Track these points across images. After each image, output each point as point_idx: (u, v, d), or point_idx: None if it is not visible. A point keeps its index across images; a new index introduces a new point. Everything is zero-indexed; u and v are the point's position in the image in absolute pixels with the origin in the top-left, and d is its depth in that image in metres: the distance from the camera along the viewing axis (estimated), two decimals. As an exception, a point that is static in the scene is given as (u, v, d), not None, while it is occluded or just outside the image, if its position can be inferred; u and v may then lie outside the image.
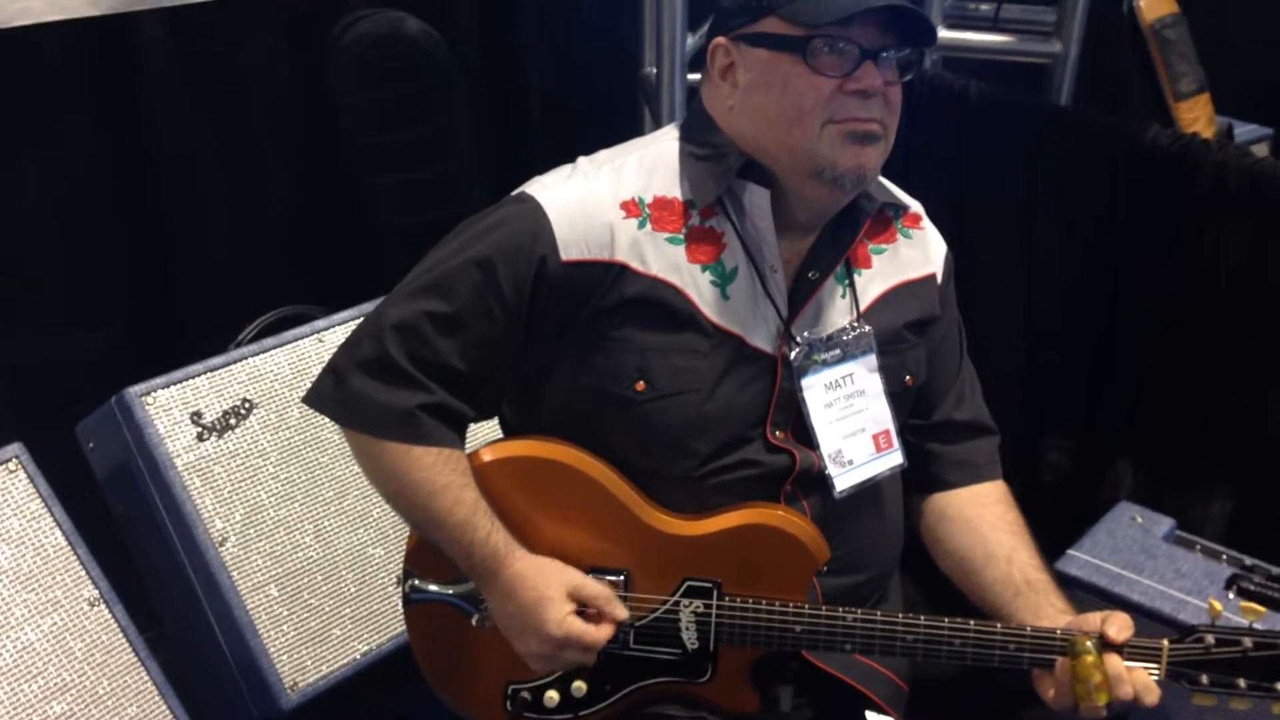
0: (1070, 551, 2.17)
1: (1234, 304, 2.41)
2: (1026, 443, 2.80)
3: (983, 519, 1.68)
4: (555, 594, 1.51)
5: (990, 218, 2.73)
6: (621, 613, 1.53)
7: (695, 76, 2.67)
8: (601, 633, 1.51)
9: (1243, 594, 2.05)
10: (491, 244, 1.49)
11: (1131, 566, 2.12)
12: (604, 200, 1.51)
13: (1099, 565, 2.12)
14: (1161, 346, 2.54)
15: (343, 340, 2.16)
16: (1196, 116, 2.90)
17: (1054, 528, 2.21)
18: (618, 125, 3.09)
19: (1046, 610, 1.54)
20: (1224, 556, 2.16)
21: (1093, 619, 1.48)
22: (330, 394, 1.54)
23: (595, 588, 1.53)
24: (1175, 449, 2.56)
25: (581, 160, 1.60)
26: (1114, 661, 1.43)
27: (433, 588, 1.62)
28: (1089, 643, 1.43)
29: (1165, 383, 2.55)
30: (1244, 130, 3.25)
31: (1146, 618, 2.02)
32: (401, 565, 1.67)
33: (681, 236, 1.52)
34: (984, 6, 3.13)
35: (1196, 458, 2.52)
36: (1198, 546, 2.20)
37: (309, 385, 2.08)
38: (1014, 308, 2.76)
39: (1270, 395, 2.40)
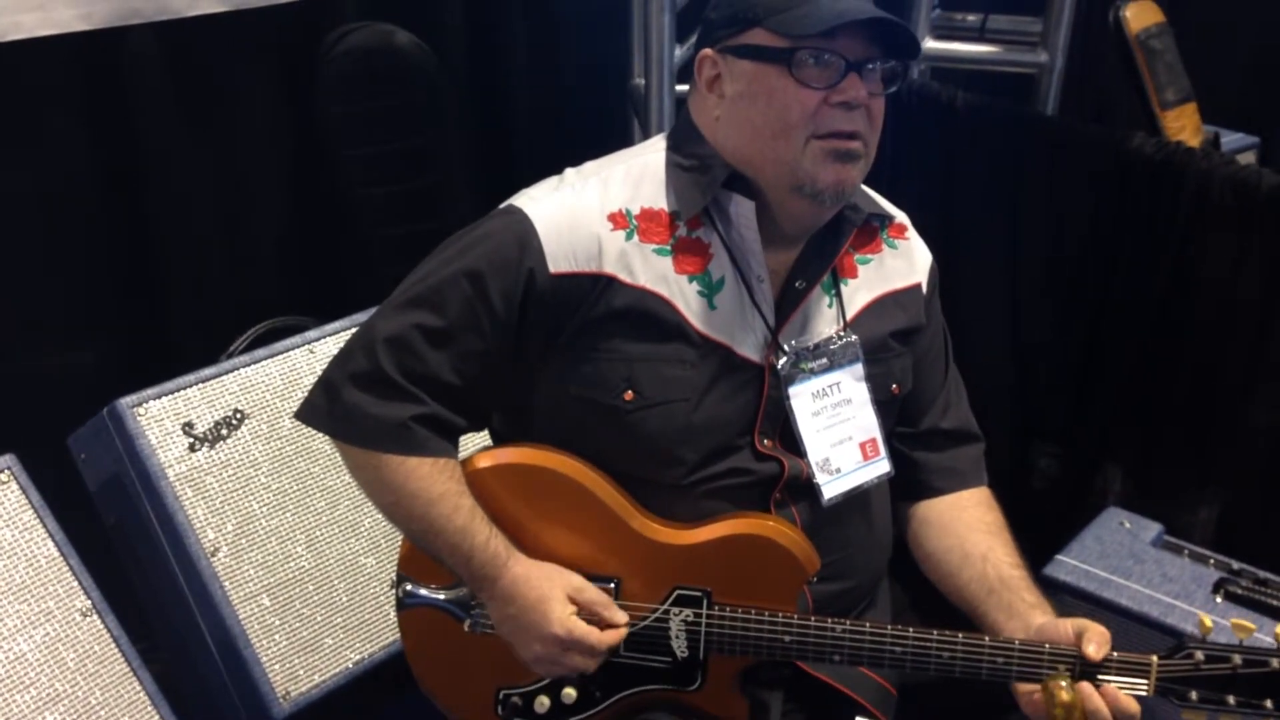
0: (1058, 557, 2.18)
1: (1219, 310, 2.42)
2: (1015, 449, 2.81)
3: (961, 521, 1.70)
4: (557, 594, 1.52)
5: (977, 226, 2.75)
6: (621, 617, 1.54)
7: (684, 88, 2.68)
8: (606, 637, 1.52)
9: (1230, 598, 2.06)
10: (480, 256, 1.51)
11: (1119, 571, 2.13)
12: (591, 212, 1.52)
13: (1087, 570, 2.13)
14: (1148, 353, 2.55)
15: (334, 351, 2.19)
16: (1183, 125, 2.91)
17: (1043, 533, 2.22)
18: (607, 136, 3.11)
19: (1018, 606, 1.55)
20: (1211, 561, 2.18)
21: (1065, 627, 1.49)
22: (324, 408, 1.55)
23: (594, 592, 1.54)
24: (1162, 455, 2.57)
25: (569, 172, 1.62)
26: (1092, 698, 1.43)
27: (424, 593, 1.63)
28: (1064, 683, 1.44)
29: (1152, 389, 2.56)
30: (1231, 139, 3.26)
31: (1134, 622, 2.04)
32: (393, 575, 1.68)
33: (668, 248, 1.54)
34: (970, 17, 3.14)
35: (1184, 463, 2.54)
36: (1185, 551, 2.21)
37: (300, 396, 2.09)
38: (1002, 315, 2.77)
39: (1256, 401, 2.42)
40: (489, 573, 1.53)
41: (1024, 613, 1.54)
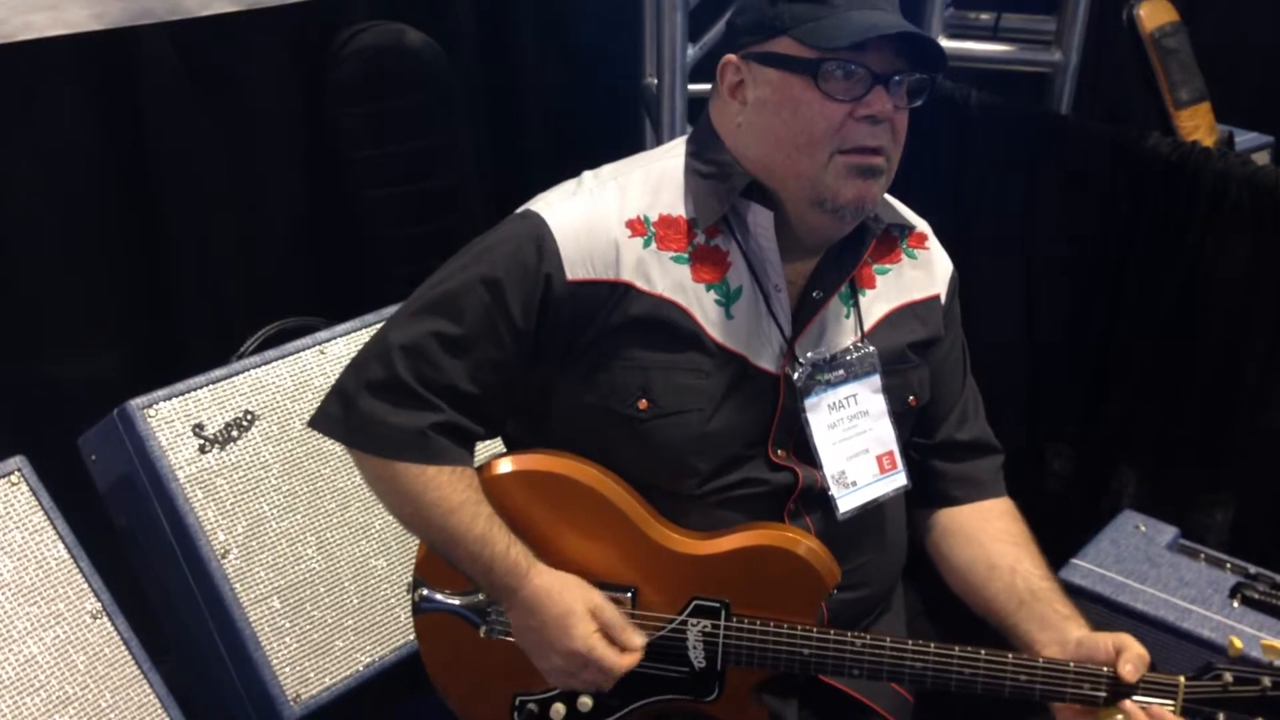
0: (1074, 560, 2.16)
1: (1235, 310, 2.41)
2: (1029, 451, 2.79)
3: (985, 532, 1.68)
4: (580, 609, 1.50)
5: (991, 227, 2.73)
6: (638, 640, 1.53)
7: (696, 87, 2.67)
8: (624, 660, 1.51)
9: (1247, 603, 2.05)
10: (498, 262, 1.49)
11: (1135, 575, 2.12)
12: (609, 218, 1.51)
13: (1102, 574, 2.12)
14: (1163, 354, 2.54)
15: (345, 353, 2.19)
16: (1197, 125, 2.90)
17: (1057, 536, 2.20)
18: (619, 136, 3.10)
19: (1052, 618, 1.54)
20: (1228, 565, 2.16)
21: (1106, 643, 1.47)
22: (339, 417, 1.53)
23: (612, 611, 1.53)
24: (1178, 457, 2.56)
25: (586, 176, 1.60)
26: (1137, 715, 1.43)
27: (440, 598, 1.61)
28: (1119, 718, 1.43)
29: (1167, 391, 2.54)
30: (1245, 138, 3.25)
31: (1150, 626, 2.03)
32: (405, 576, 1.67)
33: (686, 255, 1.52)
34: (984, 16, 3.13)
35: (1199, 466, 2.52)
36: (1201, 555, 2.20)
37: (311, 397, 2.08)
38: (1015, 316, 2.76)
39: (1272, 403, 2.40)
40: (509, 582, 1.51)
41: (1058, 624, 1.52)
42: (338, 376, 1.56)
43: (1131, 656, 1.45)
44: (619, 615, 1.53)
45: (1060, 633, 1.51)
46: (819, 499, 1.59)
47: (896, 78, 1.44)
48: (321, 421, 1.55)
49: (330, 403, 1.55)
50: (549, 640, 1.51)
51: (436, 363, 1.48)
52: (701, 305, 1.51)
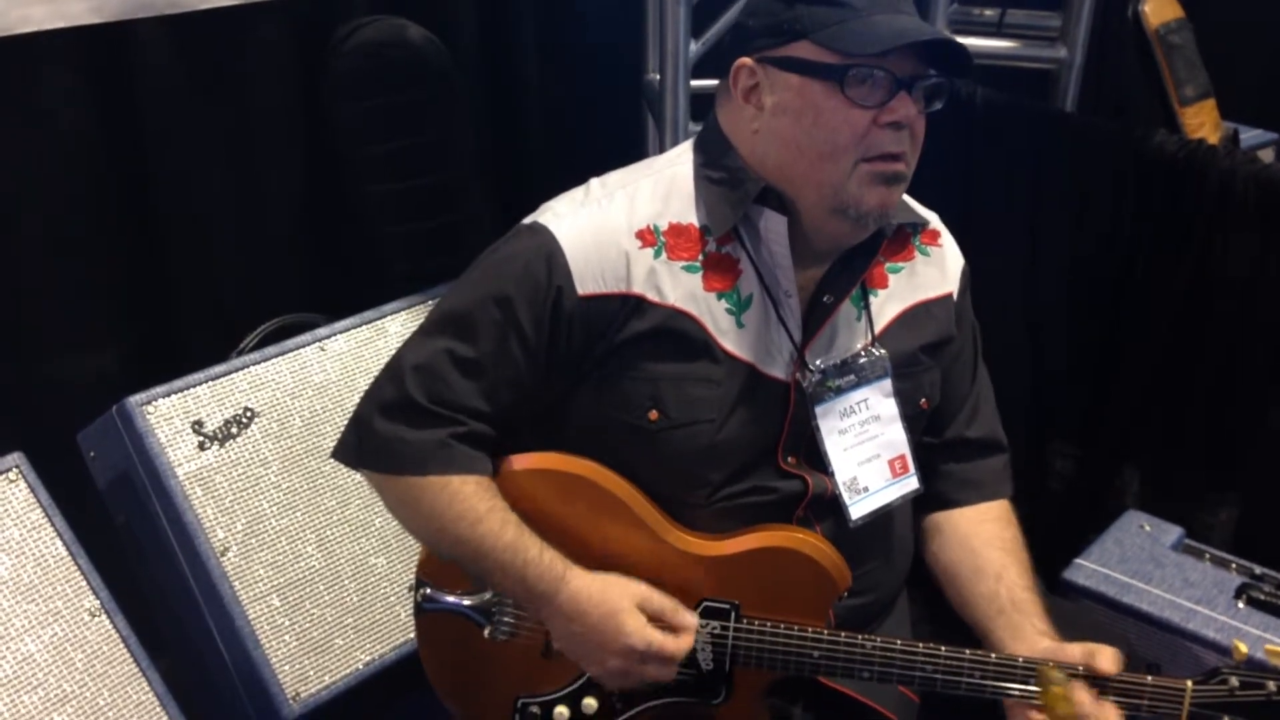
0: (1078, 560, 2.15)
1: (1241, 309, 2.39)
2: (1033, 450, 2.78)
3: (977, 535, 1.67)
4: (627, 605, 1.48)
5: (995, 224, 2.72)
6: (691, 620, 1.50)
7: (698, 83, 2.65)
8: (683, 643, 1.48)
9: (1253, 604, 2.03)
10: (508, 279, 1.47)
11: (1140, 575, 2.11)
12: (619, 230, 1.49)
13: (1107, 574, 2.11)
14: (1168, 353, 2.52)
15: (345, 349, 2.18)
16: (1202, 122, 2.89)
17: (1061, 536, 2.20)
18: (621, 132, 3.08)
19: (1026, 631, 1.52)
20: (1233, 565, 2.15)
21: (1073, 650, 1.46)
22: (357, 444, 1.52)
23: (660, 598, 1.50)
24: (1182, 457, 2.55)
25: (593, 184, 1.58)
26: (1081, 696, 1.41)
27: (447, 598, 1.60)
28: (1056, 673, 1.42)
29: (1172, 390, 2.53)
30: (1249, 135, 3.23)
31: (1155, 627, 2.01)
32: (405, 574, 1.66)
33: (698, 264, 1.50)
34: (988, 12, 3.10)
35: (1204, 465, 2.51)
36: (1206, 555, 2.19)
37: (311, 394, 2.08)
38: (1020, 314, 2.75)
39: (1277, 401, 2.39)
40: (545, 587, 1.48)
41: (1031, 638, 1.51)
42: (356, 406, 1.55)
43: (1108, 653, 1.44)
44: (666, 599, 1.50)
45: (1030, 644, 1.50)
46: (829, 506, 1.57)
47: (918, 82, 1.42)
48: (340, 452, 1.54)
49: (348, 433, 1.54)
50: (600, 643, 1.48)
51: (449, 381, 1.47)
52: (713, 315, 1.50)
